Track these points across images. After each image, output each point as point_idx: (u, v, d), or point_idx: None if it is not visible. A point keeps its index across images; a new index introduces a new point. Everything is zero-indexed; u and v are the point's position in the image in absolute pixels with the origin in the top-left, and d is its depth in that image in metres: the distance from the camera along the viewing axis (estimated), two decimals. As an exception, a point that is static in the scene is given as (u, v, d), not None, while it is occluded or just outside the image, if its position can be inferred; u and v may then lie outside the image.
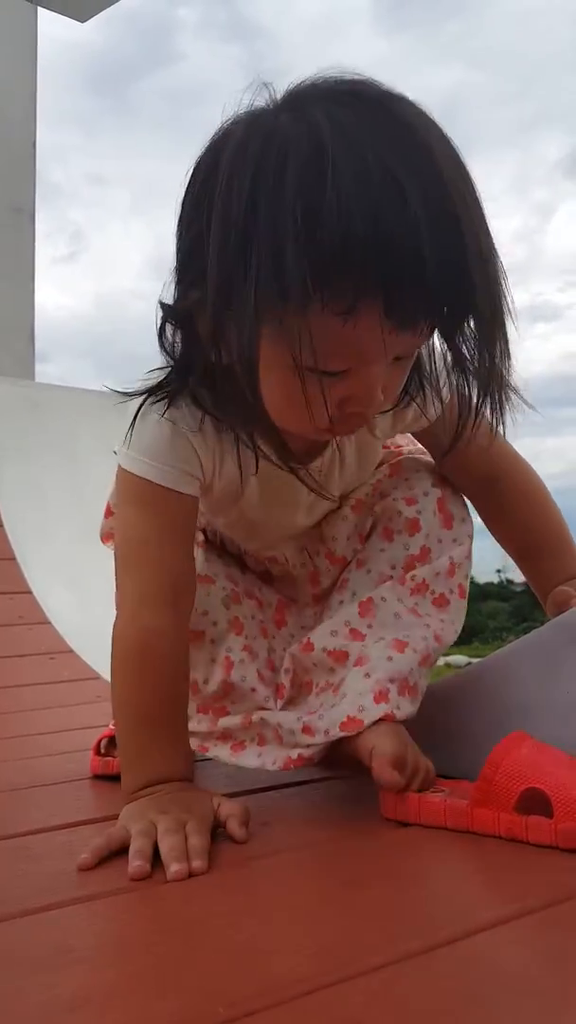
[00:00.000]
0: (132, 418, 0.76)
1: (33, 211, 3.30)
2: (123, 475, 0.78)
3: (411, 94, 0.65)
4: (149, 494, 0.77)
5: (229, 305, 0.65)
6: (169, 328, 0.74)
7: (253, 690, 0.84)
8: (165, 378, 0.76)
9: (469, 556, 0.88)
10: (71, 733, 1.00)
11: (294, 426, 0.72)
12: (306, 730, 0.78)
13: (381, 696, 0.76)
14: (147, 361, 0.78)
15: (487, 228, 0.66)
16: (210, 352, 0.70)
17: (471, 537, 0.89)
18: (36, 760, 1.09)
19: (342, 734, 0.75)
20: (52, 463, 2.48)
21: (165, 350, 0.75)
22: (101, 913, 0.56)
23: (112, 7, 3.67)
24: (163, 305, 0.72)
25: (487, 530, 0.95)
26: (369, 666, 0.78)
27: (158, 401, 0.76)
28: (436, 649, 0.82)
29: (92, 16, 3.81)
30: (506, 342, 0.69)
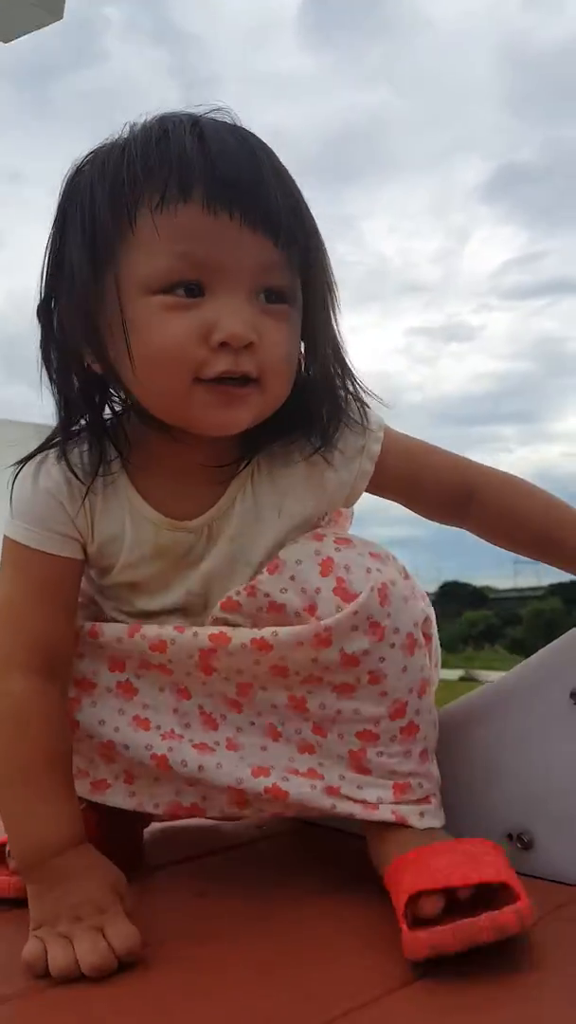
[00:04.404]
0: (11, 481, 0.77)
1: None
2: (3, 538, 0.79)
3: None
4: (21, 556, 0.77)
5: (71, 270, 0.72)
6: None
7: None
8: (46, 439, 0.78)
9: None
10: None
11: (166, 377, 0.70)
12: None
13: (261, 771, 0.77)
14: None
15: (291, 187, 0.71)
16: (82, 350, 0.73)
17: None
18: None
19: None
20: None
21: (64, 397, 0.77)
22: (57, 1001, 0.63)
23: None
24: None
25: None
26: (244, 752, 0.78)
27: (35, 459, 0.78)
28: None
29: (16, 38, 3.78)
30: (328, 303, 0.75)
